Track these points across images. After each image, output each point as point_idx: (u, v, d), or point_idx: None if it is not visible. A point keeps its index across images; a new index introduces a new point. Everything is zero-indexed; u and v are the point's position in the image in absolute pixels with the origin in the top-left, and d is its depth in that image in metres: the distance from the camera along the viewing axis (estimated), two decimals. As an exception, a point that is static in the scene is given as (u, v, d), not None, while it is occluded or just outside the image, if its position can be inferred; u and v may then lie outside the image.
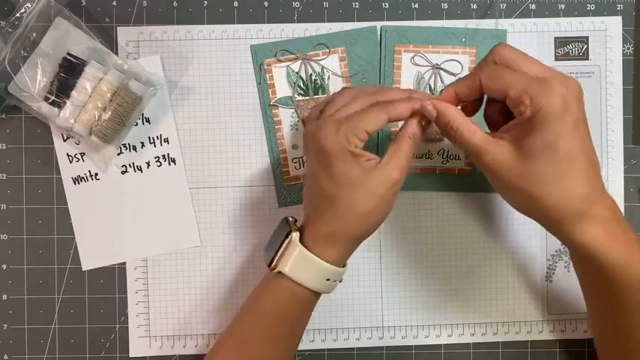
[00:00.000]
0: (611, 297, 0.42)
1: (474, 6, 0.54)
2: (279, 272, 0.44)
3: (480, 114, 0.45)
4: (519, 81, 0.39)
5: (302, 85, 0.54)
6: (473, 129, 0.41)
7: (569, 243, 0.42)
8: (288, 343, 0.47)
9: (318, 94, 0.54)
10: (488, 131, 0.44)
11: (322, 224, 0.43)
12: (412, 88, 0.54)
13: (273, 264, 0.44)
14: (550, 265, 0.55)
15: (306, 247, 0.43)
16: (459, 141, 0.42)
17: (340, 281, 0.46)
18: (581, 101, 0.40)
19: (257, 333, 0.45)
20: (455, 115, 0.42)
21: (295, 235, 0.44)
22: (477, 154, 0.41)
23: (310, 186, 0.44)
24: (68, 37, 0.50)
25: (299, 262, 0.43)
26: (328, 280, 0.44)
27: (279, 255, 0.44)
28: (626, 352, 0.44)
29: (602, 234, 0.40)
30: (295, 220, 0.46)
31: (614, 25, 0.55)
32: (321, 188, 0.43)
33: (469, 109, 0.45)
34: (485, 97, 0.44)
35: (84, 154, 0.53)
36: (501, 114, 0.43)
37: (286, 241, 0.44)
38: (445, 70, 0.54)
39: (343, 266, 0.45)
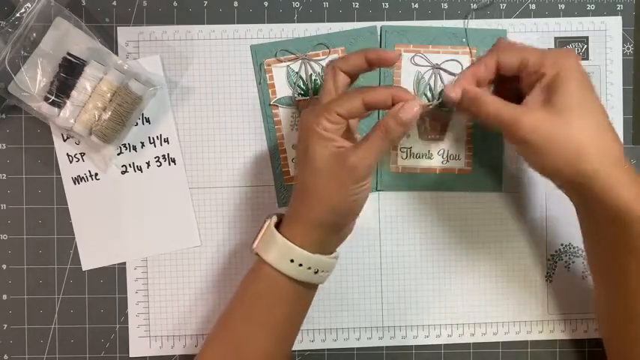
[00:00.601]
0: (623, 254, 0.42)
1: (474, 6, 0.54)
2: (256, 254, 0.45)
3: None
4: (535, 51, 0.43)
5: (302, 85, 0.54)
6: (500, 100, 0.43)
7: (601, 197, 0.41)
8: (270, 332, 0.46)
9: (318, 94, 0.54)
10: None
11: (292, 205, 0.45)
12: (412, 88, 0.54)
13: (253, 245, 0.45)
14: (550, 265, 0.55)
15: (279, 230, 0.44)
16: (492, 116, 0.42)
17: (317, 272, 0.44)
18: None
19: (237, 313, 0.46)
20: (481, 91, 0.44)
21: (273, 218, 0.45)
22: (513, 124, 0.41)
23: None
24: (68, 37, 0.50)
25: (267, 241, 0.44)
26: (293, 261, 0.43)
27: (258, 237, 0.45)
28: (629, 339, 0.44)
29: (635, 187, 0.41)
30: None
31: (614, 25, 0.55)
32: (297, 168, 0.45)
33: None
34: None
35: (84, 154, 0.53)
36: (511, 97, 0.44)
37: (265, 224, 0.45)
38: (445, 70, 0.54)
39: (321, 254, 0.44)
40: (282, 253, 0.44)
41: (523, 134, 0.41)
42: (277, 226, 0.45)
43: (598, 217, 0.43)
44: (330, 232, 0.45)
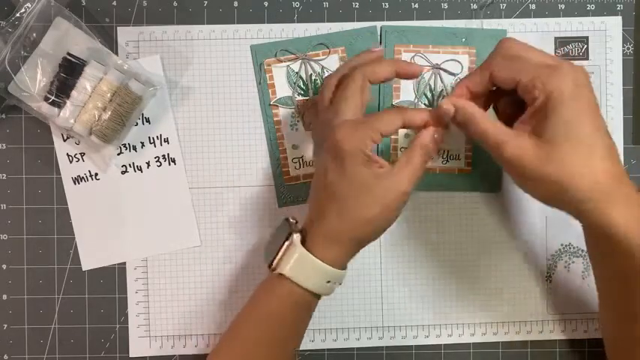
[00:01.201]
0: (630, 280, 0.41)
1: (474, 6, 0.54)
2: (280, 274, 0.44)
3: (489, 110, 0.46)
4: (530, 68, 0.40)
5: (302, 85, 0.54)
6: (492, 122, 0.42)
7: (596, 224, 0.40)
8: (290, 344, 0.47)
9: (318, 94, 0.54)
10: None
11: (325, 223, 0.43)
12: (412, 88, 0.54)
13: (274, 265, 0.44)
14: (550, 265, 0.55)
15: (307, 248, 0.43)
16: (479, 135, 0.42)
17: (340, 284, 0.46)
18: (590, 87, 0.41)
19: (259, 335, 0.45)
20: (474, 109, 0.42)
21: (296, 237, 0.44)
22: (497, 147, 0.41)
23: (318, 183, 0.44)
24: (68, 37, 0.50)
25: (299, 264, 0.43)
26: (329, 282, 0.44)
27: (279, 256, 0.44)
28: (633, 338, 0.43)
29: (631, 214, 0.40)
30: (296, 222, 0.46)
31: (614, 25, 0.55)
32: (330, 186, 0.43)
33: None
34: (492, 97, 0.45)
35: (84, 154, 0.53)
36: (511, 107, 0.44)
37: (287, 243, 0.44)
38: (445, 70, 0.54)
39: (344, 269, 0.45)
40: (322, 277, 0.44)
41: (506, 160, 0.41)
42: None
43: (598, 242, 0.43)
44: (362, 247, 0.45)
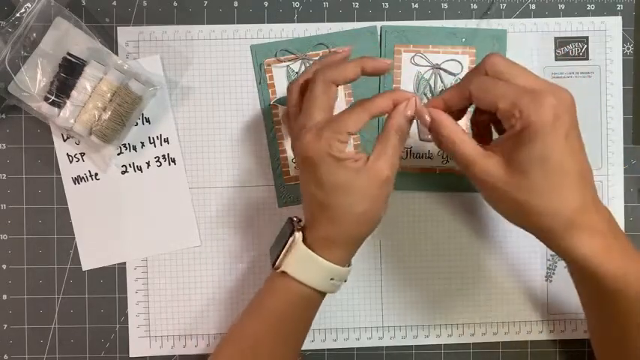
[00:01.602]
0: (608, 308, 0.42)
1: (474, 6, 0.54)
2: (283, 272, 0.44)
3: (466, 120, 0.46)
4: (509, 93, 0.39)
5: (302, 85, 0.54)
6: (464, 139, 0.41)
7: (562, 254, 0.41)
8: (294, 342, 0.47)
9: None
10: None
11: (320, 229, 0.43)
12: (412, 88, 0.54)
13: (277, 263, 0.44)
14: (550, 265, 0.55)
15: (308, 246, 0.43)
16: (449, 150, 0.42)
17: (345, 281, 0.46)
18: (573, 112, 0.39)
19: (264, 333, 0.45)
20: (447, 123, 0.42)
21: (298, 235, 0.44)
22: (466, 165, 0.41)
23: (305, 193, 0.44)
24: (68, 37, 0.50)
25: (303, 262, 0.44)
26: (332, 279, 0.44)
27: (282, 255, 0.44)
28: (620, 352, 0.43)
29: (596, 245, 0.39)
30: (300, 220, 0.46)
31: (614, 25, 0.55)
32: (313, 196, 0.43)
33: (453, 117, 0.44)
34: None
35: (84, 154, 0.53)
36: (490, 121, 0.44)
37: (290, 241, 0.44)
38: (445, 70, 0.54)
39: (348, 266, 0.45)
40: (325, 275, 0.44)
41: (473, 178, 0.41)
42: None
43: (569, 268, 0.43)
44: (362, 242, 0.45)
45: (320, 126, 0.42)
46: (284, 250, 0.44)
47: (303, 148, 0.41)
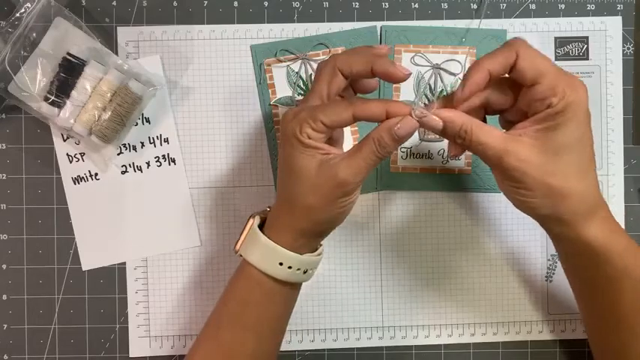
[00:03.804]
0: (608, 287, 0.43)
1: (474, 6, 0.54)
2: (241, 256, 0.44)
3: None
4: (553, 71, 0.39)
5: (302, 85, 0.54)
6: (488, 129, 0.39)
7: (577, 237, 0.41)
8: (258, 328, 0.45)
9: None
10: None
11: (275, 211, 0.44)
12: (412, 88, 0.54)
13: (237, 246, 0.45)
14: (550, 265, 0.55)
15: (265, 230, 0.44)
16: (475, 146, 0.39)
17: (311, 271, 0.44)
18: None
19: (225, 318, 0.45)
20: (464, 118, 0.39)
21: (256, 218, 0.44)
22: (498, 157, 0.39)
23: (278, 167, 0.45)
24: (68, 37, 0.50)
25: (251, 243, 0.44)
26: (282, 264, 0.43)
27: (241, 238, 0.45)
28: (618, 343, 0.44)
29: (609, 227, 0.41)
30: (269, 208, 0.46)
31: (614, 25, 0.55)
32: (279, 172, 0.43)
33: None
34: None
35: (84, 154, 0.53)
36: (482, 106, 0.42)
37: (248, 224, 0.45)
38: (445, 70, 0.54)
39: (314, 254, 0.44)
40: (268, 255, 0.43)
41: (505, 169, 0.39)
42: (261, 226, 0.44)
43: (575, 252, 0.43)
44: (315, 238, 0.44)
45: (302, 107, 0.41)
46: (243, 233, 0.45)
47: (282, 124, 0.41)
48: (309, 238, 0.44)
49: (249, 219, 0.45)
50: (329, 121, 0.39)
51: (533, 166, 0.39)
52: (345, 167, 0.40)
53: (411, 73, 0.40)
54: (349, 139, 0.54)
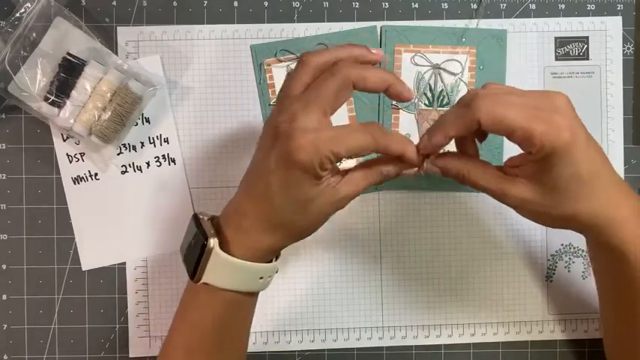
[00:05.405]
0: (632, 284, 0.42)
1: (474, 6, 0.54)
2: (206, 283, 0.40)
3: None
4: (521, 122, 0.37)
5: (302, 85, 0.54)
6: (483, 171, 0.41)
7: (602, 246, 0.42)
8: (234, 343, 0.44)
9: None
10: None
11: (247, 222, 0.40)
12: (412, 88, 0.54)
13: (197, 276, 0.40)
14: (550, 265, 0.55)
15: (223, 241, 0.40)
16: (475, 187, 0.41)
17: (275, 272, 0.43)
18: (575, 113, 0.39)
19: (196, 347, 0.42)
20: (458, 165, 0.41)
21: (214, 242, 0.39)
22: (499, 196, 0.40)
23: (255, 176, 0.40)
24: (68, 37, 0.50)
25: (226, 271, 0.40)
26: (262, 278, 0.42)
27: (200, 267, 0.40)
28: (634, 338, 0.44)
29: (632, 233, 0.40)
30: (209, 218, 0.42)
31: (614, 25, 0.55)
32: (265, 186, 0.39)
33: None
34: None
35: (84, 154, 0.53)
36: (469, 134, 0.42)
37: (205, 252, 0.39)
38: (445, 70, 0.54)
39: (276, 260, 0.43)
40: (247, 275, 0.41)
41: (510, 204, 0.41)
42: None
43: (603, 254, 0.44)
44: (283, 248, 0.42)
45: (323, 132, 0.37)
46: (201, 262, 0.40)
47: (294, 147, 0.36)
48: (277, 251, 0.43)
49: (204, 241, 0.40)
50: (347, 154, 0.38)
51: (536, 204, 0.40)
52: (346, 187, 0.39)
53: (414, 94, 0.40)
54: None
